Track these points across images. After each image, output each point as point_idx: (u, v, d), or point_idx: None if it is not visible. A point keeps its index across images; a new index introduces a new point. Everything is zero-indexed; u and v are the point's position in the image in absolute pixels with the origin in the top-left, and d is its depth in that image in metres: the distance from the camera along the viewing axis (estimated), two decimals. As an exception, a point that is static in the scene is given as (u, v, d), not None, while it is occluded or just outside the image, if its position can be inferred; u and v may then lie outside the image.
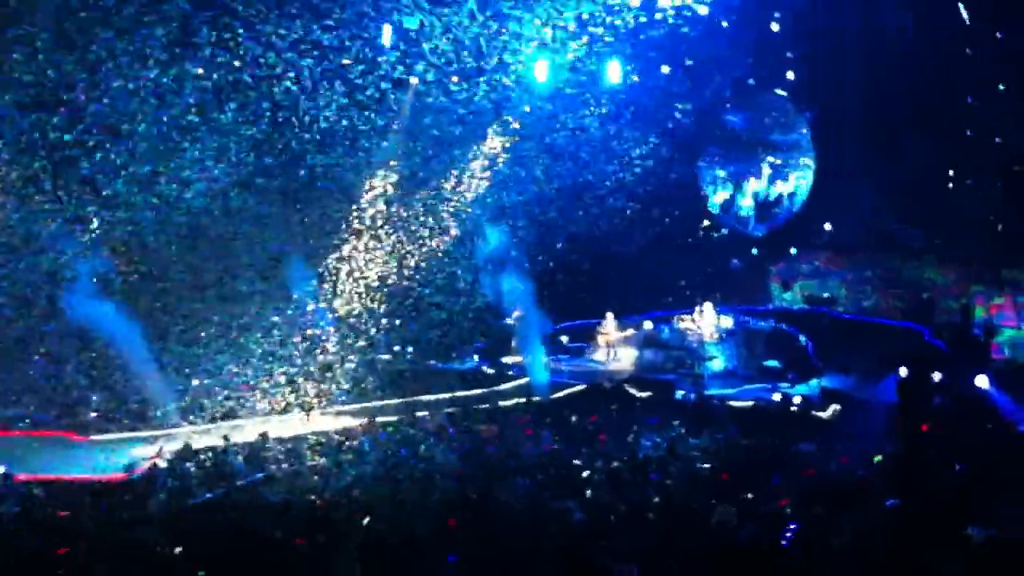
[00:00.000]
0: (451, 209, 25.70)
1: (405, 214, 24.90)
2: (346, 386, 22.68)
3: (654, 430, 18.30)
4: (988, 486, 12.03)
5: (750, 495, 12.99)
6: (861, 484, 13.66)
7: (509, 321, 25.46)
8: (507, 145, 26.18)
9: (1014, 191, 25.82)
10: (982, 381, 20.63)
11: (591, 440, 17.73)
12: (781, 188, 30.43)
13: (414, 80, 24.37)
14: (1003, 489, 11.59)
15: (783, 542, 9.21)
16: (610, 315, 25.34)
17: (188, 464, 16.09)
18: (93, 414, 19.82)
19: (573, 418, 19.33)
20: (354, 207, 23.99)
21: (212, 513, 13.37)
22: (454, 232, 25.77)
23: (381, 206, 24.41)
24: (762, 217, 30.60)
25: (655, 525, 11.63)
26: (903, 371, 20.97)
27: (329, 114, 23.08)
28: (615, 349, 25.38)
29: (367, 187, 24.17)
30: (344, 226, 23.90)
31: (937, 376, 20.64)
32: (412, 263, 25.10)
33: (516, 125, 26.22)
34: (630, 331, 25.32)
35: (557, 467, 15.72)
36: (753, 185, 30.75)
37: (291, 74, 22.42)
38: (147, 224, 21.39)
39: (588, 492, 14.08)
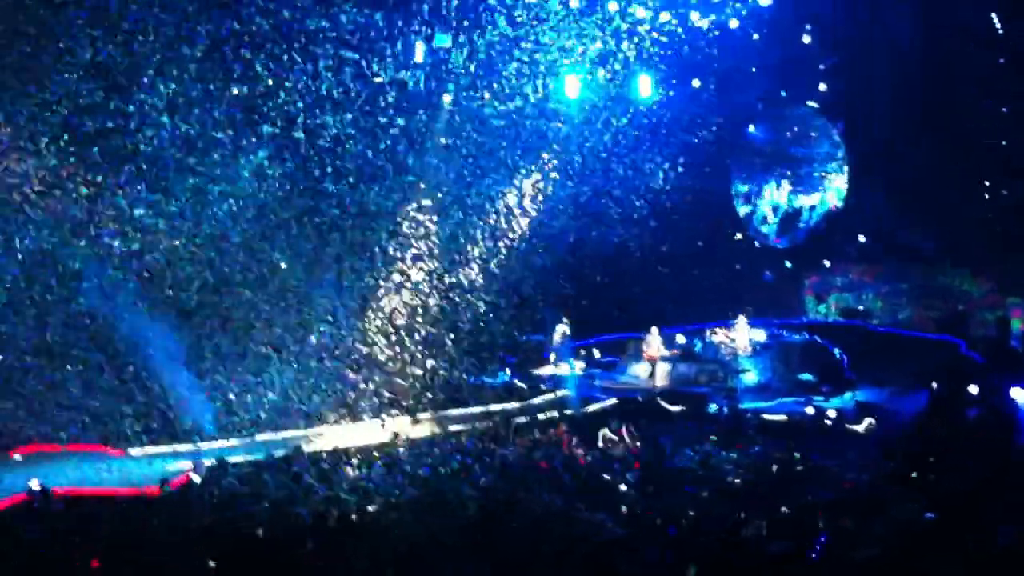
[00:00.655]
0: (482, 226, 25.76)
1: (437, 231, 24.96)
2: (379, 400, 22.76)
3: (687, 444, 18.25)
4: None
5: (783, 508, 12.94)
6: (889, 496, 13.59)
7: (556, 336, 25.48)
8: (538, 161, 26.27)
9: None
10: (1018, 394, 20.42)
11: (624, 454, 17.74)
12: (814, 201, 30.35)
13: (447, 98, 24.55)
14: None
15: (812, 554, 9.18)
16: (655, 330, 24.86)
17: (226, 478, 16.22)
18: (129, 428, 19.96)
19: (606, 432, 19.28)
20: (386, 225, 24.06)
21: (244, 527, 13.45)
22: (486, 247, 25.82)
23: (412, 224, 24.48)
24: (795, 230, 30.51)
25: (686, 538, 11.62)
26: (936, 385, 20.87)
27: (358, 134, 23.26)
28: (656, 364, 24.93)
29: (399, 206, 24.23)
30: (377, 244, 23.95)
31: (974, 389, 20.43)
32: (445, 279, 25.16)
33: (546, 141, 26.31)
34: (675, 348, 24.98)
35: (590, 480, 15.76)
36: (786, 198, 30.69)
37: (317, 94, 22.65)
38: (184, 237, 21.56)
39: (623, 507, 14.11)
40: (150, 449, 19.18)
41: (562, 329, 25.46)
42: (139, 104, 20.42)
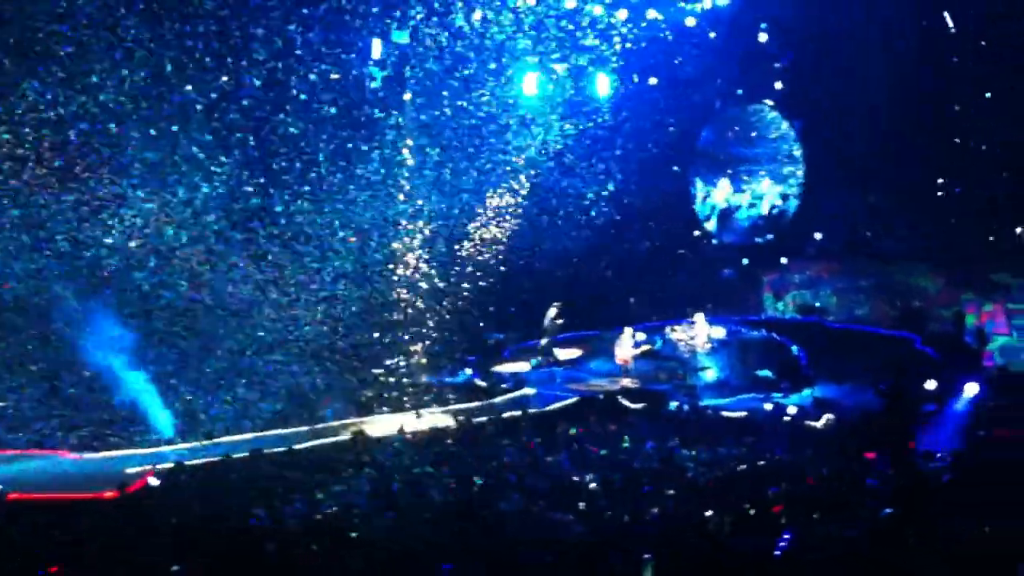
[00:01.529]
0: (439, 226, 25.70)
1: (395, 232, 24.87)
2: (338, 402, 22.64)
3: (648, 441, 18.28)
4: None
5: (745, 505, 13.00)
6: (851, 492, 13.70)
7: (547, 319, 25.43)
8: (495, 161, 26.22)
9: (1003, 197, 25.98)
10: (971, 389, 20.70)
11: (585, 452, 17.74)
12: (771, 198, 30.57)
13: (406, 96, 24.47)
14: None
15: (775, 551, 9.23)
16: (628, 330, 24.80)
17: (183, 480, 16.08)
18: (86, 431, 19.73)
19: (570, 431, 19.29)
20: (344, 226, 23.93)
21: (207, 529, 13.32)
22: (443, 247, 25.78)
23: (371, 225, 24.37)
24: (753, 227, 30.72)
25: (650, 535, 11.65)
26: (891, 380, 21.09)
27: (316, 134, 23.18)
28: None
29: (357, 207, 24.09)
30: (335, 245, 23.81)
31: (932, 384, 20.66)
32: (402, 277, 25.08)
33: (503, 141, 26.28)
34: (645, 347, 24.92)
35: (552, 480, 15.75)
36: (743, 195, 30.90)
37: (276, 89, 22.56)
38: (141, 238, 21.40)
39: (582, 504, 14.11)
40: (108, 453, 18.94)
41: (553, 312, 25.38)
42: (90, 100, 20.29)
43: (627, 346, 24.30)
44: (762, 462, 16.65)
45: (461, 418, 20.33)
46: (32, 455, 18.52)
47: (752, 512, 12.49)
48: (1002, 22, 25.10)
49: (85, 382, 20.39)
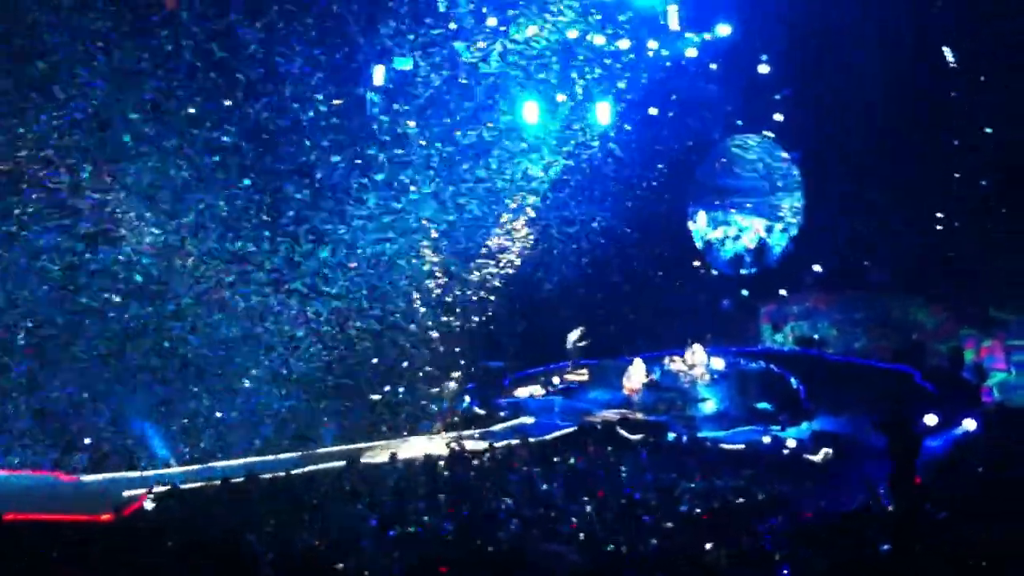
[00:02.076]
0: (440, 252, 25.70)
1: (396, 257, 24.86)
2: (333, 426, 22.60)
3: (646, 472, 18.24)
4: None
5: (743, 538, 12.95)
6: (850, 526, 13.62)
7: (571, 338, 25.43)
8: (494, 188, 26.24)
9: (1002, 231, 25.98)
10: (969, 424, 20.64)
11: (582, 482, 17.68)
12: (770, 229, 30.62)
13: (408, 124, 24.52)
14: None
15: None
16: (637, 362, 24.83)
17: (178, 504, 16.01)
18: (82, 454, 19.70)
19: (569, 460, 19.23)
20: (343, 249, 23.94)
21: (201, 553, 13.23)
22: (441, 274, 25.78)
23: (371, 248, 24.37)
24: (752, 258, 30.75)
25: (647, 567, 11.57)
26: (890, 415, 21.00)
27: (321, 156, 23.24)
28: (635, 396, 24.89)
29: (358, 230, 24.11)
30: (333, 268, 23.80)
31: (933, 420, 20.57)
32: (400, 305, 25.05)
33: (503, 168, 26.31)
34: (653, 376, 24.93)
35: (549, 509, 15.68)
36: (742, 226, 30.95)
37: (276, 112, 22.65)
38: (144, 263, 21.43)
39: (581, 535, 14.05)
40: (104, 475, 18.89)
41: (576, 335, 25.39)
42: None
43: (637, 377, 24.28)
44: (761, 495, 16.57)
45: (457, 446, 20.27)
46: (28, 476, 18.46)
47: (749, 546, 12.43)
48: (999, 58, 25.20)
49: (81, 404, 20.35)
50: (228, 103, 21.96)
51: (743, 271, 30.52)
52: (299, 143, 22.95)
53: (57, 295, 20.43)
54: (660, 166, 29.23)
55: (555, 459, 19.24)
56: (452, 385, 24.39)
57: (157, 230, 21.48)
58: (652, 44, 27.18)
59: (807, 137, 29.23)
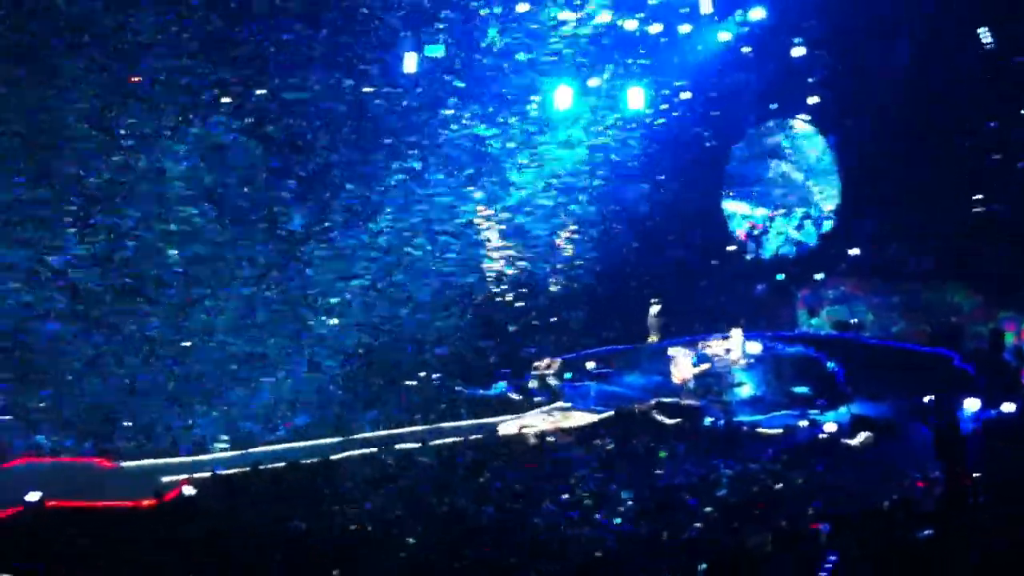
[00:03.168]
0: (473, 236, 25.73)
1: (433, 241, 24.91)
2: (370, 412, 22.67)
3: (685, 456, 18.19)
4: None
5: (784, 523, 12.89)
6: (892, 513, 13.52)
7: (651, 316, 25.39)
8: (532, 173, 26.22)
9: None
10: (1008, 407, 20.39)
11: (620, 466, 17.67)
12: (807, 213, 30.36)
13: (443, 110, 24.53)
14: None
15: (822, 573, 9.13)
16: (681, 349, 24.77)
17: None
18: (123, 441, 19.87)
19: (607, 444, 19.21)
20: (382, 235, 24.01)
21: (241, 539, 13.36)
22: (477, 258, 25.80)
23: (408, 234, 24.42)
24: (788, 242, 30.51)
25: (687, 551, 11.57)
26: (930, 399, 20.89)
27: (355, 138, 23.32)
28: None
29: (395, 214, 24.18)
30: (373, 253, 23.88)
31: (975, 403, 20.35)
32: (436, 290, 25.11)
33: (538, 153, 26.27)
34: (705, 365, 24.78)
35: (586, 493, 15.68)
36: (778, 210, 30.69)
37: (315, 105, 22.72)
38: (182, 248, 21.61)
39: (618, 520, 14.05)
40: (144, 461, 19.04)
41: (655, 310, 25.33)
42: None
43: (686, 365, 24.15)
44: (799, 481, 16.46)
45: (495, 431, 20.32)
46: (70, 463, 18.64)
47: (790, 531, 12.36)
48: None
49: (123, 390, 20.53)
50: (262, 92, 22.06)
51: (785, 255, 30.25)
52: (330, 130, 23.03)
53: (94, 278, 20.62)
54: (695, 150, 28.98)
55: (593, 443, 19.24)
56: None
57: (195, 212, 21.67)
58: (684, 28, 26.95)
59: (845, 120, 28.93)
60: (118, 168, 21.01)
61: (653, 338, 25.49)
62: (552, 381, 24.45)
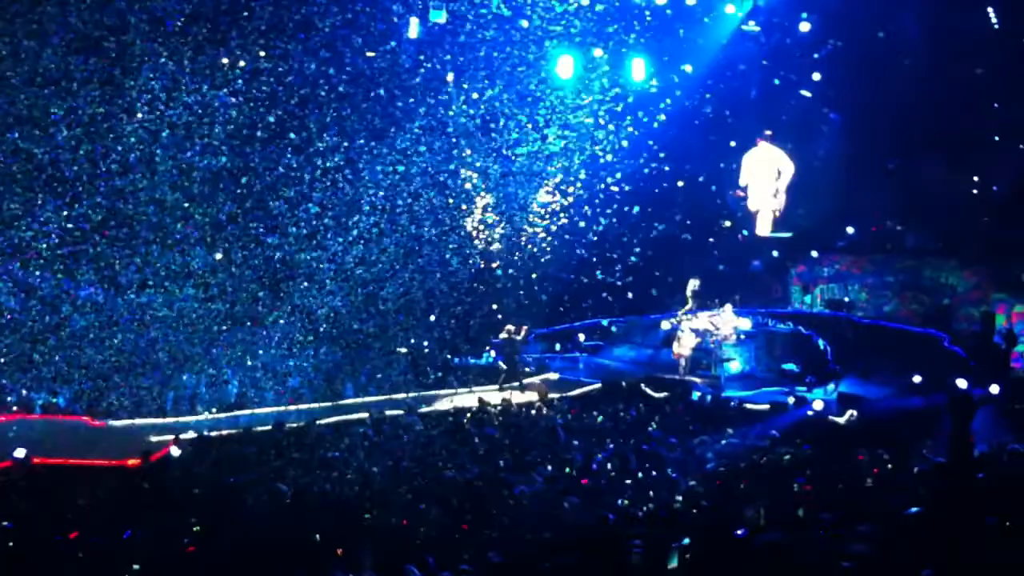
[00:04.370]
0: (469, 205, 25.67)
1: (426, 212, 24.86)
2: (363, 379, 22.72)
3: (672, 431, 18.23)
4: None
5: (769, 498, 12.89)
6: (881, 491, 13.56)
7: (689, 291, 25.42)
8: (529, 145, 26.10)
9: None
10: (995, 389, 20.47)
11: (606, 439, 17.70)
12: (803, 190, 30.23)
13: (450, 77, 24.39)
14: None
15: (808, 547, 9.12)
16: (687, 327, 24.75)
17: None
18: (111, 400, 19.90)
19: (595, 416, 19.24)
20: (376, 204, 23.95)
21: (227, 500, 13.37)
22: (472, 231, 25.76)
23: (404, 201, 24.36)
24: (783, 219, 30.39)
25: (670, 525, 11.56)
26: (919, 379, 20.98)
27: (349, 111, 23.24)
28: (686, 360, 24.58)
29: (390, 184, 24.11)
30: (364, 221, 23.83)
31: (963, 384, 20.39)
32: (431, 261, 25.08)
33: (537, 125, 26.14)
34: (696, 340, 24.70)
35: (571, 465, 15.71)
36: (776, 186, 30.52)
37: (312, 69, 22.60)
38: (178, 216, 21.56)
39: (602, 492, 14.07)
40: (131, 421, 19.07)
41: (695, 284, 25.31)
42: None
43: (687, 341, 24.14)
44: (787, 456, 16.49)
45: (481, 400, 20.34)
46: (57, 421, 18.66)
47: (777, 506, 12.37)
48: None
49: (111, 351, 20.53)
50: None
51: (780, 231, 30.12)
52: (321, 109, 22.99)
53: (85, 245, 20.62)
54: (693, 125, 28.83)
55: (581, 415, 19.28)
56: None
57: (194, 188, 21.66)
58: (690, 0, 26.71)
59: (846, 97, 28.75)
60: (95, 135, 20.84)
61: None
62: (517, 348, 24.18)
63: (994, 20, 25.38)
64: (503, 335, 23.77)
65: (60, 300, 20.50)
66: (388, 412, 19.36)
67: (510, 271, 26.17)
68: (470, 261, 25.55)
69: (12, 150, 19.78)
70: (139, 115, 20.79)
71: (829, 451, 17.08)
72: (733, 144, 28.87)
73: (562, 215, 27.02)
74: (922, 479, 13.96)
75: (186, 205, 21.69)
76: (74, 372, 20.05)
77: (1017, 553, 8.52)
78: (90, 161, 20.55)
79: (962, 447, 13.38)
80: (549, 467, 15.41)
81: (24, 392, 19.50)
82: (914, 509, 10.61)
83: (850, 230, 28.91)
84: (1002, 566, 8.39)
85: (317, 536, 10.89)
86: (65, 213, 20.39)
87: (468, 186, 25.44)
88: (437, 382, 22.68)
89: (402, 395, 21.50)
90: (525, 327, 24.37)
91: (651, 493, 14.06)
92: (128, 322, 20.70)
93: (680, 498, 13.16)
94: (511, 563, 9.45)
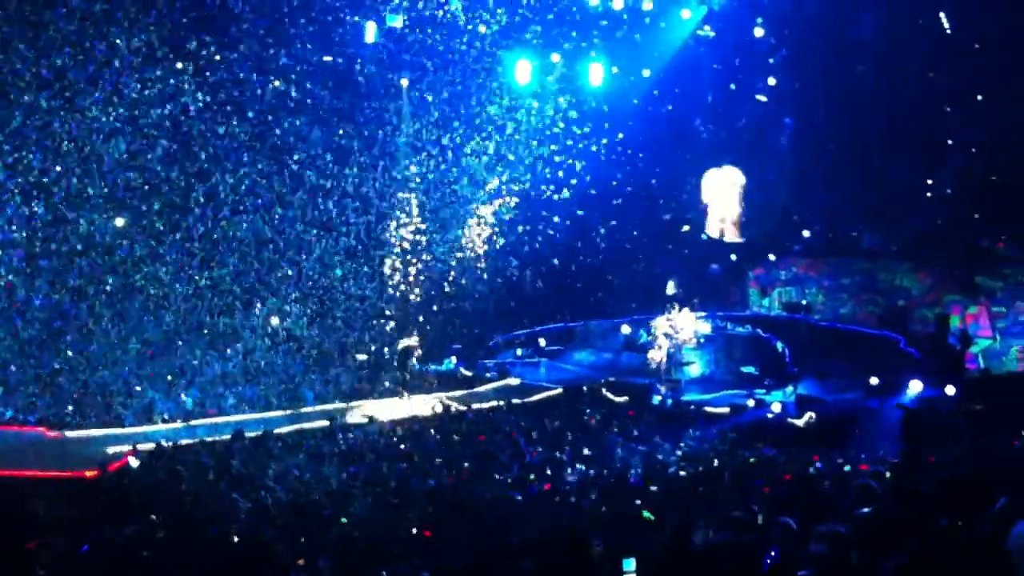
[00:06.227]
0: (424, 216, 25.64)
1: (387, 219, 24.84)
2: (322, 387, 22.58)
3: (632, 437, 18.28)
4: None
5: (727, 501, 12.96)
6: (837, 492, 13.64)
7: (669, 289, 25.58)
8: (483, 151, 26.09)
9: (989, 200, 26.00)
10: (950, 390, 20.71)
11: (567, 444, 17.71)
12: (760, 194, 30.46)
13: (404, 82, 24.39)
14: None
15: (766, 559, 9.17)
16: (629, 327, 24.72)
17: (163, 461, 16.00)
18: (67, 410, 19.66)
19: (555, 422, 19.24)
20: (339, 212, 23.91)
21: (185, 511, 13.25)
22: (432, 237, 25.73)
23: (367, 210, 24.34)
24: (741, 223, 30.61)
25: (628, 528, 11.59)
26: (874, 380, 21.20)
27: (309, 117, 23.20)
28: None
29: (354, 191, 24.06)
30: (328, 230, 23.76)
31: (918, 386, 20.64)
32: (392, 267, 25.04)
33: (494, 129, 26.17)
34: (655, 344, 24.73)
35: (534, 471, 15.71)
36: (733, 190, 30.73)
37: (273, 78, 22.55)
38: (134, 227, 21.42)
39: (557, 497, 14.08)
40: (89, 431, 18.82)
41: (672, 286, 25.35)
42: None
43: (636, 344, 24.25)
44: (752, 459, 16.59)
45: (444, 406, 20.30)
46: (14, 432, 18.39)
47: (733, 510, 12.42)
48: (991, 24, 25.11)
49: (68, 361, 20.32)
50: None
51: (738, 235, 30.34)
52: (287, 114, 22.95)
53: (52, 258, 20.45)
54: (650, 129, 28.96)
55: (542, 420, 19.28)
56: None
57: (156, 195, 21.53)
58: (647, 6, 26.84)
59: (801, 102, 29.01)
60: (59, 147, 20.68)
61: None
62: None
63: (946, 25, 25.70)
64: (401, 344, 23.26)
65: (14, 310, 20.29)
66: (348, 419, 19.28)
67: (463, 281, 26.17)
68: (428, 268, 25.53)
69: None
70: (89, 117, 20.60)
71: (788, 453, 17.25)
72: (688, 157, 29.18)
73: (518, 220, 27.03)
74: (877, 479, 14.09)
75: (141, 214, 21.55)
76: (29, 383, 19.83)
77: (968, 553, 8.63)
78: (40, 169, 20.37)
79: (913, 451, 13.57)
80: (509, 476, 15.41)
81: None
82: (866, 509, 10.74)
83: (806, 233, 29.18)
84: (953, 567, 8.50)
85: (277, 546, 10.83)
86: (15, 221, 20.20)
87: (417, 197, 25.37)
88: (396, 389, 22.58)
89: (362, 402, 21.40)
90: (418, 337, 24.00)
91: (612, 496, 14.07)
92: (81, 331, 20.47)
93: (638, 502, 13.19)
94: (475, 567, 9.45)
